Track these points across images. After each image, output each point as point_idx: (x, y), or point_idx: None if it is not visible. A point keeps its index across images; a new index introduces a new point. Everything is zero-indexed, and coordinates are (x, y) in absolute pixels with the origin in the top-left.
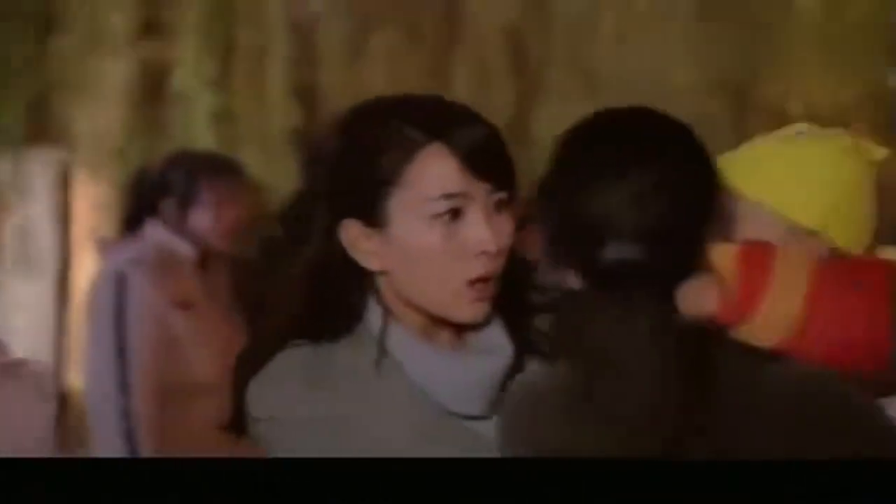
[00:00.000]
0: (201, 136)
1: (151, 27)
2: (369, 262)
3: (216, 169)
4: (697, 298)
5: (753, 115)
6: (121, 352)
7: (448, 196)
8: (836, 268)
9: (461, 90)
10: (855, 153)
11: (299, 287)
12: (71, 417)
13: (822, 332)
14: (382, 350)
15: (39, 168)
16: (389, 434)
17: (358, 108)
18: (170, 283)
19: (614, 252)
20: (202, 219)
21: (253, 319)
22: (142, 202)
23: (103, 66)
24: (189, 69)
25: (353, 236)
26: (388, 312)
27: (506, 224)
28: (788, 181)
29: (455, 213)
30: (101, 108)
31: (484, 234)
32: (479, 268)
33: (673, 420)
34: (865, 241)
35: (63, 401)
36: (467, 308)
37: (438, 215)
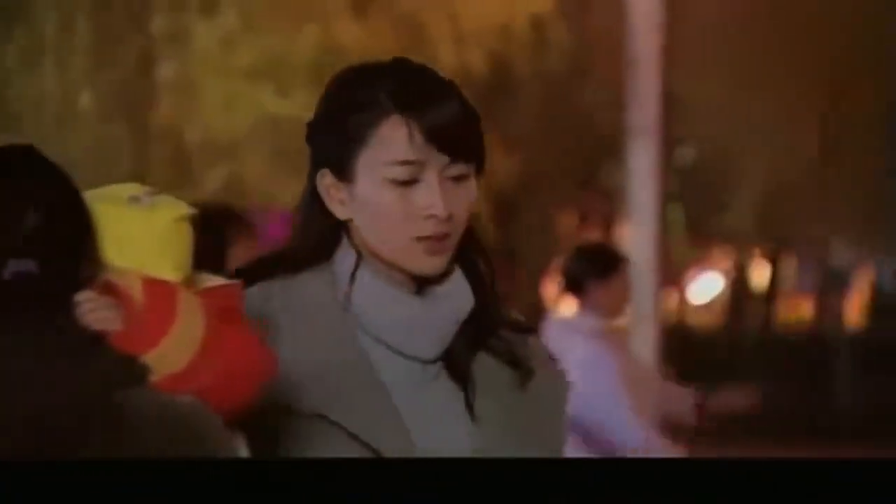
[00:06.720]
0: None
1: None
2: (337, 211)
3: None
4: (93, 314)
5: None
6: None
7: (403, 163)
8: (207, 303)
9: None
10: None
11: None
12: None
13: (211, 365)
14: (352, 283)
15: None
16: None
17: (348, 69)
18: None
19: (13, 267)
20: None
21: None
22: None
23: None
24: None
25: (326, 185)
26: (360, 255)
27: (463, 194)
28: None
29: (410, 178)
30: None
31: (433, 199)
32: (427, 228)
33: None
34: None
35: None
36: (420, 260)
37: (394, 179)
